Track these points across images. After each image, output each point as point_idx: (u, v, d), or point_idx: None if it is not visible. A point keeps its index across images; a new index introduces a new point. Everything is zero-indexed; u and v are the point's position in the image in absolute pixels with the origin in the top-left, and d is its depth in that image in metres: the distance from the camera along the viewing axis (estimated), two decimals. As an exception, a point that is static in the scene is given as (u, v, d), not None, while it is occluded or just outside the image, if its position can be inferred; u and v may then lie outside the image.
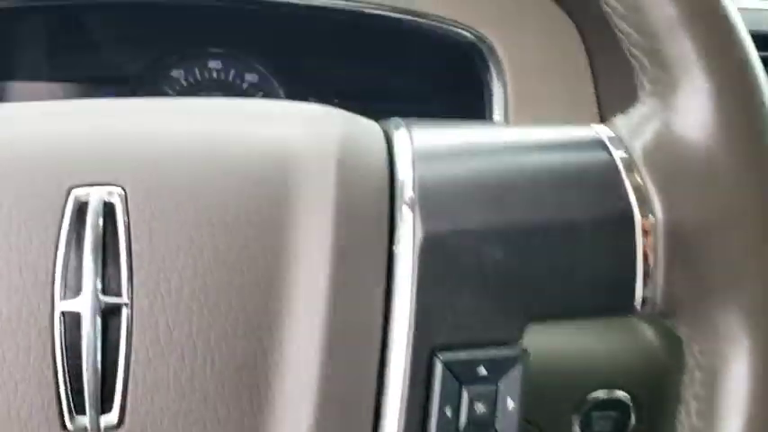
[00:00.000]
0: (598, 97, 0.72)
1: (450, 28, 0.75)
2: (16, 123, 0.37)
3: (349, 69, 1.00)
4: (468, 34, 0.75)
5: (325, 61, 0.99)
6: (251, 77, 1.10)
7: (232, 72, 1.08)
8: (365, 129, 0.38)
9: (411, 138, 0.37)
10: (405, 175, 0.35)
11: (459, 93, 0.89)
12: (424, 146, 0.36)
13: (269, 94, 1.09)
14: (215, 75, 1.07)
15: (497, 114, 0.75)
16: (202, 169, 0.34)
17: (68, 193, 0.33)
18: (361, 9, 0.77)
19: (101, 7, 0.88)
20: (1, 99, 1.01)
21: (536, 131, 0.39)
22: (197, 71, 1.07)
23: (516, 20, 0.73)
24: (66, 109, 0.40)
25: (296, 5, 0.82)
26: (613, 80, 0.70)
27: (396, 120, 0.39)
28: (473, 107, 0.81)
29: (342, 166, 0.35)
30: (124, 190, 0.33)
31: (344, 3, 0.79)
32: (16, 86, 1.04)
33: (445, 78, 0.93)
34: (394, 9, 0.76)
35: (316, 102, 0.96)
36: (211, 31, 1.04)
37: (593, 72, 0.72)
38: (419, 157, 0.35)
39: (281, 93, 1.08)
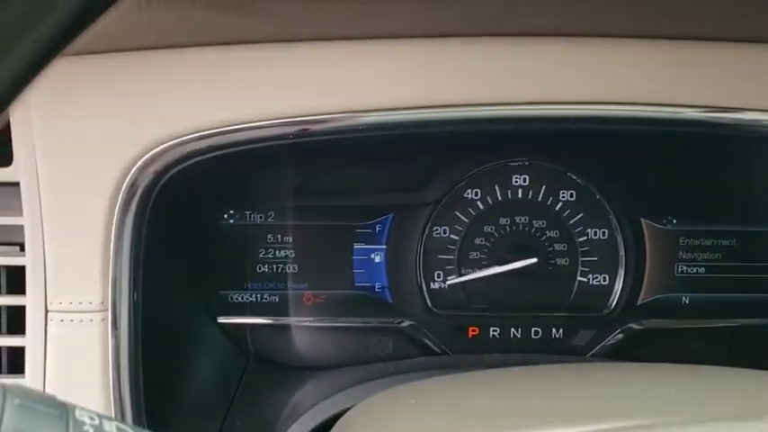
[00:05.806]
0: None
1: None
2: None
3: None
4: None
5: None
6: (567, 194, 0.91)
7: (543, 189, 0.91)
8: None
9: None
10: None
11: None
12: None
13: (594, 212, 0.90)
14: (519, 193, 0.90)
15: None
16: None
17: None
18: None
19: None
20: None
21: None
22: (497, 189, 0.90)
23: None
24: None
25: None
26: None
27: None
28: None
29: None
30: None
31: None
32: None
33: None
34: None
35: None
36: (510, 142, 0.88)
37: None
38: None
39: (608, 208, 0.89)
